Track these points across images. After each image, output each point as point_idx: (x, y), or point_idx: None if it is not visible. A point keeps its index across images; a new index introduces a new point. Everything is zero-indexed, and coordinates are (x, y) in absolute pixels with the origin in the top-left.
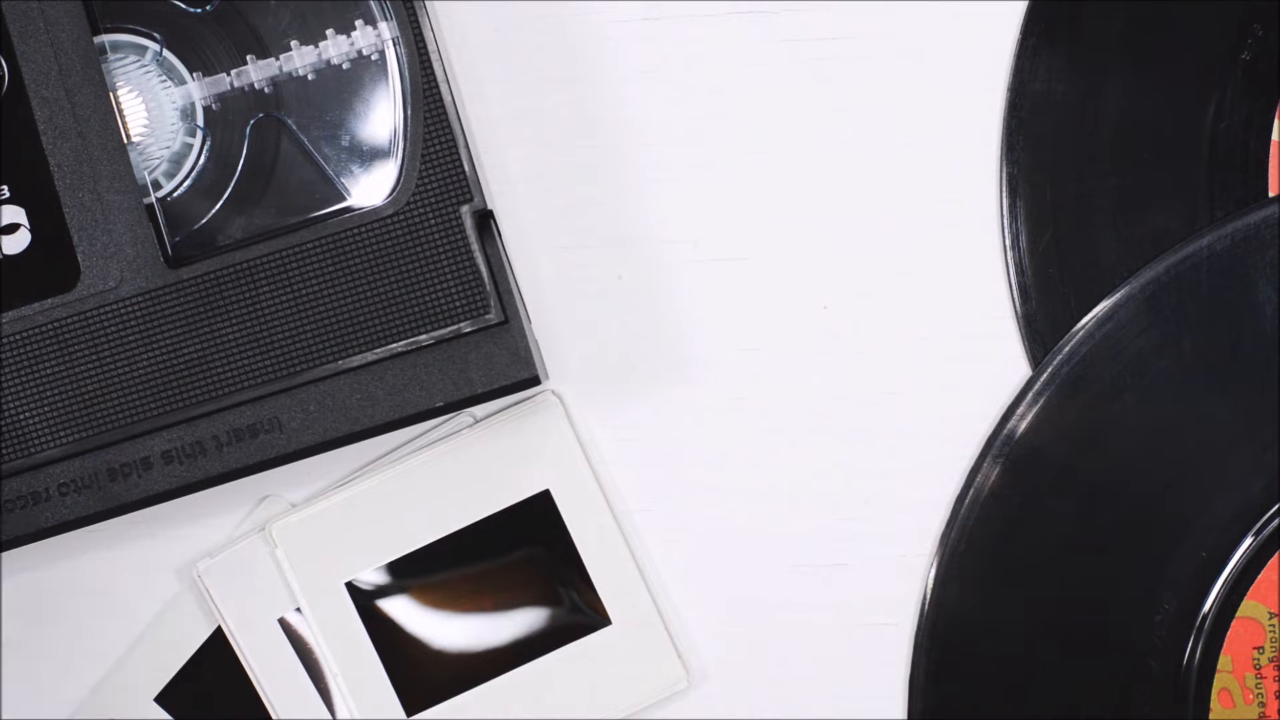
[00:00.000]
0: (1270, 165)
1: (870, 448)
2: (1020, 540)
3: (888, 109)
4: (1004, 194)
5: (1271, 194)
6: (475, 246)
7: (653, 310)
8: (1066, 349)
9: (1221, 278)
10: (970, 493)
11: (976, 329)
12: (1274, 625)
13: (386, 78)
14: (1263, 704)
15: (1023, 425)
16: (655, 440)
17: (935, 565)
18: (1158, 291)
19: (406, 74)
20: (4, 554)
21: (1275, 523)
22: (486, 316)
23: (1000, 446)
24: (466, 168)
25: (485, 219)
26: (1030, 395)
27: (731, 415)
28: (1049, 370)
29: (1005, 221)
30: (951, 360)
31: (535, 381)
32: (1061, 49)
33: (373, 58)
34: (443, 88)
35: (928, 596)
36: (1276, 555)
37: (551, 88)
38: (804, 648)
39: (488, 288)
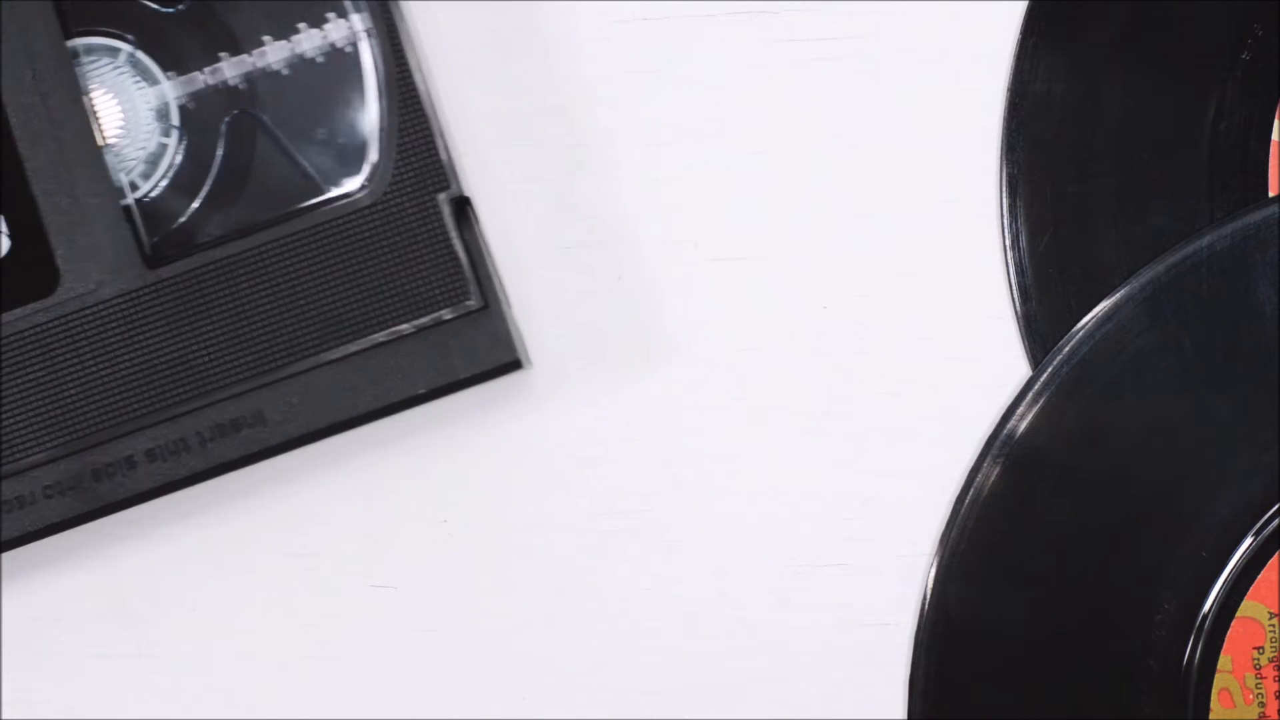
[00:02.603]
0: (1270, 165)
1: (870, 448)
2: (1020, 540)
3: (888, 109)
4: (1004, 194)
5: (1271, 194)
6: (454, 233)
7: (653, 310)
8: (1067, 349)
9: (1222, 278)
10: (970, 492)
11: (976, 329)
12: (1274, 625)
13: (360, 69)
14: (1263, 704)
15: (1023, 425)
16: (654, 440)
17: (935, 565)
18: (1158, 291)
19: (380, 65)
20: (3, 555)
21: (1275, 523)
22: (467, 303)
23: (1000, 446)
24: (442, 155)
25: (463, 205)
26: (1030, 395)
27: (732, 415)
28: (1049, 370)
29: (1005, 221)
30: (951, 360)
31: (517, 365)
32: (1061, 49)
33: (346, 50)
34: (416, 76)
35: (927, 597)
36: (1276, 555)
37: (552, 87)
38: (804, 648)
39: (467, 274)
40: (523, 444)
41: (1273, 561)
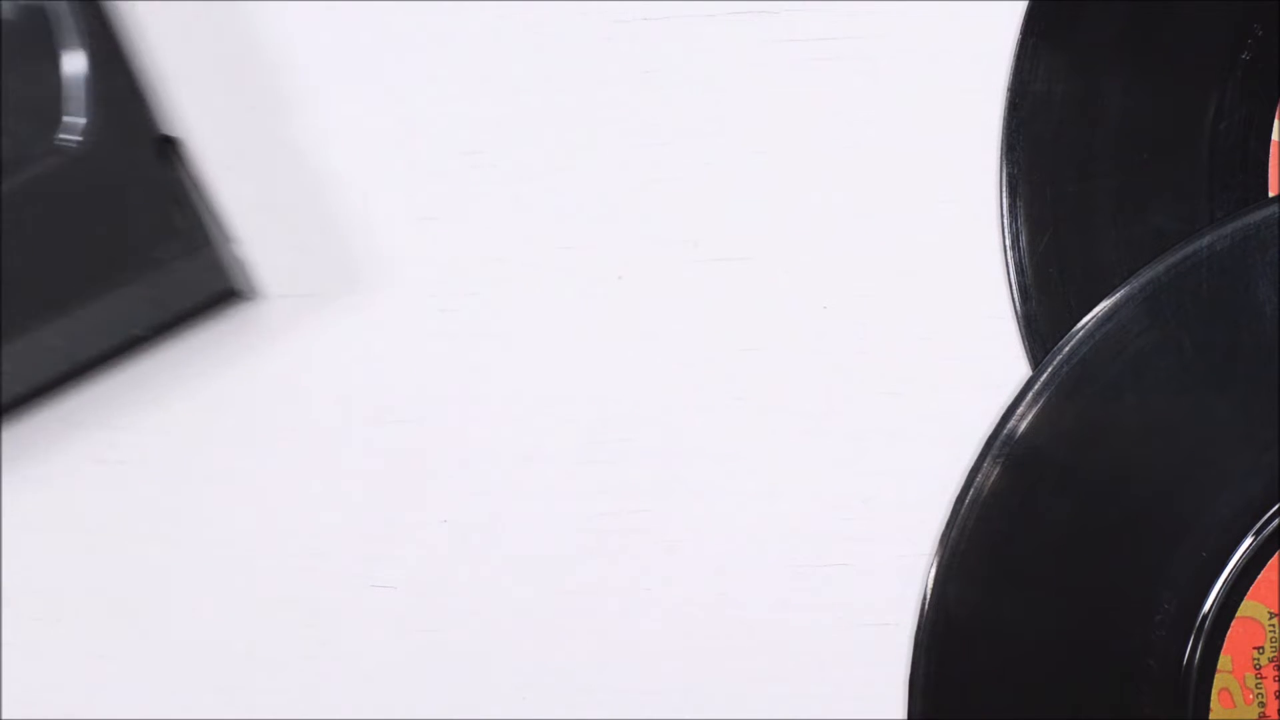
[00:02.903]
0: (1270, 165)
1: (870, 448)
2: (1020, 540)
3: (888, 109)
4: (1004, 194)
5: (1271, 194)
6: (161, 175)
7: (652, 310)
8: (1066, 349)
9: (1222, 278)
10: (970, 493)
11: (976, 329)
12: (1274, 625)
13: (58, 24)
14: (1263, 704)
15: (1023, 425)
16: (654, 440)
17: (935, 565)
18: (1158, 291)
19: (75, 17)
20: (4, 553)
21: (1275, 523)
22: (180, 242)
23: (1000, 446)
24: (143, 97)
25: (166, 145)
26: (1030, 395)
27: (731, 415)
28: (1049, 370)
29: (1005, 221)
30: (951, 360)
31: (235, 294)
32: (1061, 49)
33: (39, 5)
34: (109, 20)
35: (927, 597)
36: (1276, 555)
37: (550, 87)
38: (804, 648)
39: (176, 213)
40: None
41: (1273, 561)
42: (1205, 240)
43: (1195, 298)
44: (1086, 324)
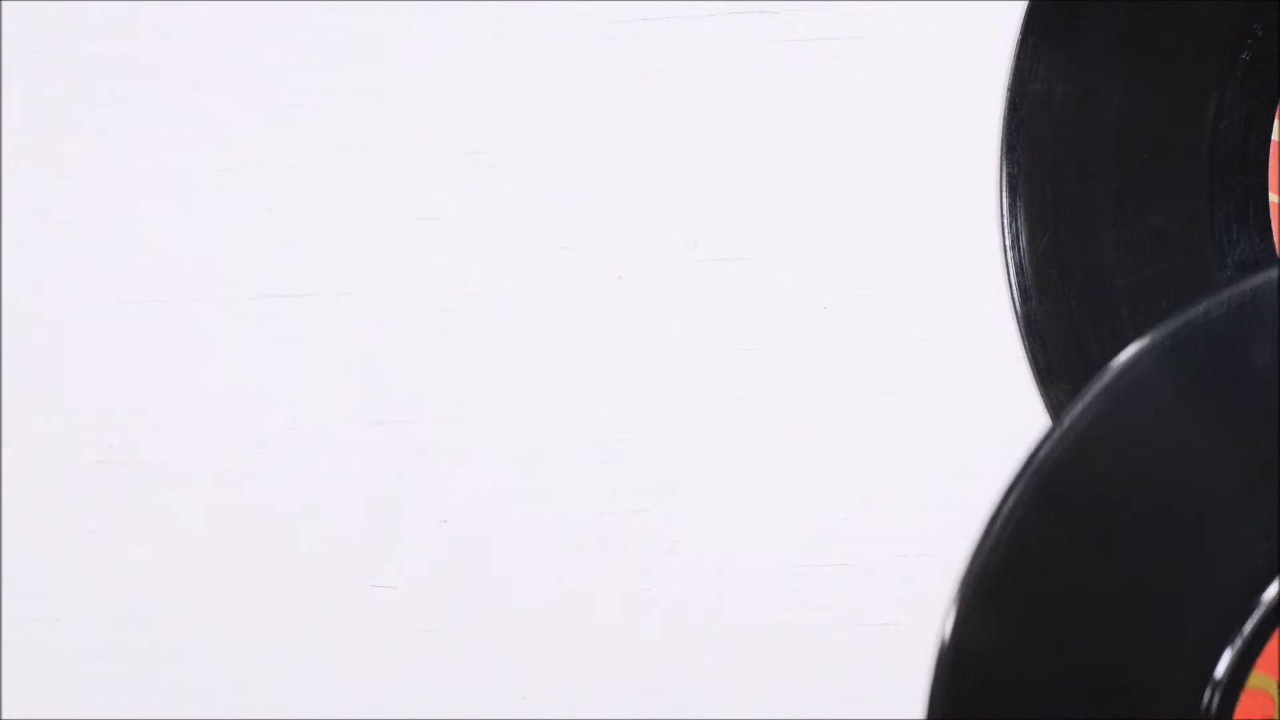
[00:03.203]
0: (1270, 165)
1: (870, 448)
2: (1031, 580)
3: (888, 109)
4: (1004, 194)
5: (1271, 194)
6: None
7: (652, 310)
8: (1066, 423)
9: (1220, 344)
10: (985, 545)
11: (976, 329)
12: None
13: None
14: None
15: (1020, 499)
16: (654, 440)
17: (954, 611)
18: (1159, 359)
19: None
20: (4, 554)
21: (1278, 593)
22: None
23: (1001, 527)
24: None
25: None
26: (1029, 474)
27: (731, 415)
28: (1046, 447)
29: (1005, 221)
30: (951, 360)
31: None
32: (1061, 49)
33: None
34: None
35: (946, 641)
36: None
37: (550, 87)
38: (804, 648)
39: None
40: None
41: (1277, 633)
42: (1203, 307)
43: (1194, 364)
44: (1085, 396)
